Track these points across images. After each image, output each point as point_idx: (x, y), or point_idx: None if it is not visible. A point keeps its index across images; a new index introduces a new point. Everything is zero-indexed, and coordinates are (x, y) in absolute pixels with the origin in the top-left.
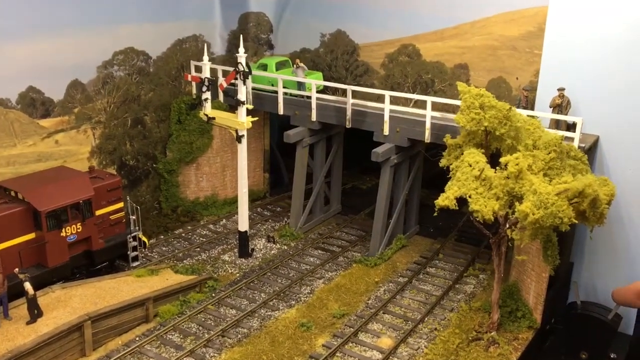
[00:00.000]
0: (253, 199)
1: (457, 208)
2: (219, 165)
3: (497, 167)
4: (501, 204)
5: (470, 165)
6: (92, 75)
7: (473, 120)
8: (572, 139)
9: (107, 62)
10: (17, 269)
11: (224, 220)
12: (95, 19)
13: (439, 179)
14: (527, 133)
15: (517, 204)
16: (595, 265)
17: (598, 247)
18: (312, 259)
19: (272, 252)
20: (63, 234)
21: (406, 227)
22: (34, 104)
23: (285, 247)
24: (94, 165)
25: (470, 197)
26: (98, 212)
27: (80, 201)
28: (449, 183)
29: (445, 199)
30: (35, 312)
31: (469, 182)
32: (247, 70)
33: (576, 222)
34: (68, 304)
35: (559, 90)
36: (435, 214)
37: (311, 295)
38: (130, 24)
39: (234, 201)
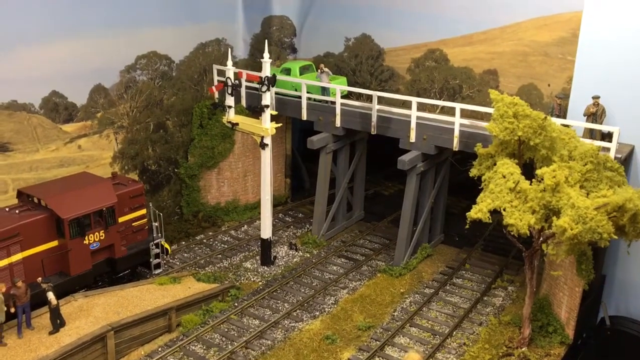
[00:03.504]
0: (274, 204)
1: (490, 221)
2: (241, 170)
3: (533, 179)
4: (537, 218)
5: (504, 177)
6: (115, 79)
7: (506, 129)
8: (608, 149)
9: (130, 66)
10: (40, 278)
11: (245, 226)
12: (118, 23)
13: (465, 186)
14: (562, 143)
15: (554, 218)
16: (629, 278)
17: (632, 260)
18: (335, 268)
19: (295, 260)
20: (86, 241)
21: (431, 235)
22: (57, 108)
23: (308, 255)
24: (117, 172)
25: (504, 210)
26: (121, 219)
27: (104, 208)
28: (482, 194)
29: (479, 212)
30: (57, 322)
31: (503, 195)
32: (271, 76)
33: (615, 237)
34: (90, 313)
35: (593, 98)
36: (467, 226)
37: (335, 305)
38: (153, 27)
39: (255, 206)
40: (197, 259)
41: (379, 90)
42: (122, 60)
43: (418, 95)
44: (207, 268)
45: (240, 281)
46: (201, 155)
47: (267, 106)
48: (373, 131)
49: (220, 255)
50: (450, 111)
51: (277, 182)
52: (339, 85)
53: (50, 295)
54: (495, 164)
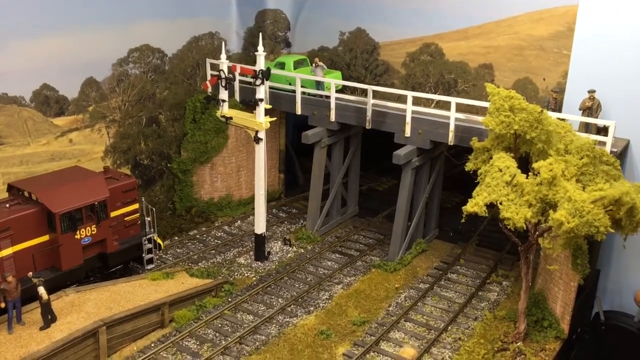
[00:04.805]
0: (268, 199)
1: (486, 215)
2: (234, 165)
3: (529, 173)
4: (534, 212)
5: (501, 170)
6: (107, 73)
7: (502, 123)
8: (603, 143)
9: (122, 59)
10: (30, 273)
11: (239, 222)
12: (110, 15)
13: (458, 180)
14: (558, 137)
15: (550, 211)
16: (623, 272)
17: (626, 255)
18: (329, 263)
19: (289, 255)
20: (77, 236)
21: (426, 230)
22: (48, 102)
23: (302, 251)
24: (109, 166)
25: (501, 203)
26: (113, 214)
27: (95, 202)
28: (478, 188)
29: (475, 206)
30: (49, 317)
31: (499, 188)
32: (266, 69)
33: (612, 231)
34: (82, 308)
35: (589, 92)
36: (463, 220)
37: (330, 301)
38: (145, 20)
39: (248, 202)
40: (190, 254)
41: (373, 85)
42: (114, 53)
43: (413, 90)
44: (200, 263)
45: (234, 277)
46: (194, 150)
47: (261, 100)
48: (368, 126)
49: (213, 251)
50: (446, 105)
51: (271, 177)
52: (333, 80)
53: (41, 290)
54: (491, 158)
